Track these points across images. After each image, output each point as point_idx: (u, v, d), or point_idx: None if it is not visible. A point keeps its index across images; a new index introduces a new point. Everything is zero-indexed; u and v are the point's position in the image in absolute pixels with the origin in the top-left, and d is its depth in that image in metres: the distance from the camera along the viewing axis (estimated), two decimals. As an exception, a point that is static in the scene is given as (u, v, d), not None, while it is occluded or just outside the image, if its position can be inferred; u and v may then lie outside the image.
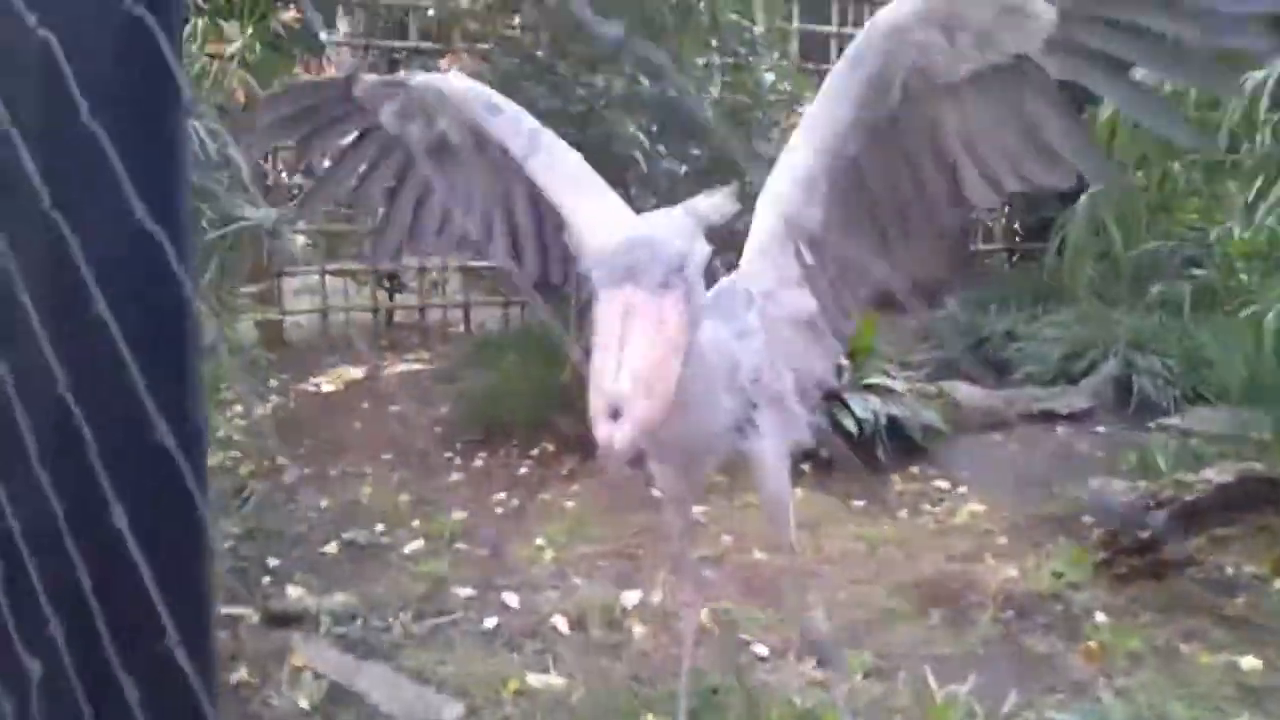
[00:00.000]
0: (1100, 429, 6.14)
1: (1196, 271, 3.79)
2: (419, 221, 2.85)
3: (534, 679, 3.24)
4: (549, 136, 2.52)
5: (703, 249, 1.83)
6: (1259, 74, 3.60)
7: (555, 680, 3.24)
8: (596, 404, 1.58)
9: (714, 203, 1.92)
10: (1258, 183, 4.01)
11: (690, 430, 1.99)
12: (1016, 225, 11.05)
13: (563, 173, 2.44)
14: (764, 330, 2.15)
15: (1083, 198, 4.24)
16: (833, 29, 9.34)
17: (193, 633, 0.99)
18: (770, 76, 5.83)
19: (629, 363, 1.60)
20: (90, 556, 0.96)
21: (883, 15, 2.08)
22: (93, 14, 0.99)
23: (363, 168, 2.84)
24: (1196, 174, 4.17)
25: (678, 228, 1.82)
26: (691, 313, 1.76)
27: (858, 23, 9.50)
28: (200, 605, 1.07)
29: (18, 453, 1.00)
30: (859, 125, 2.14)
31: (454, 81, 2.64)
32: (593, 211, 2.34)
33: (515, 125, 2.49)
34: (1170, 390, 6.19)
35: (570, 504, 4.78)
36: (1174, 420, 5.53)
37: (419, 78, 2.64)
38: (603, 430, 1.56)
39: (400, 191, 2.84)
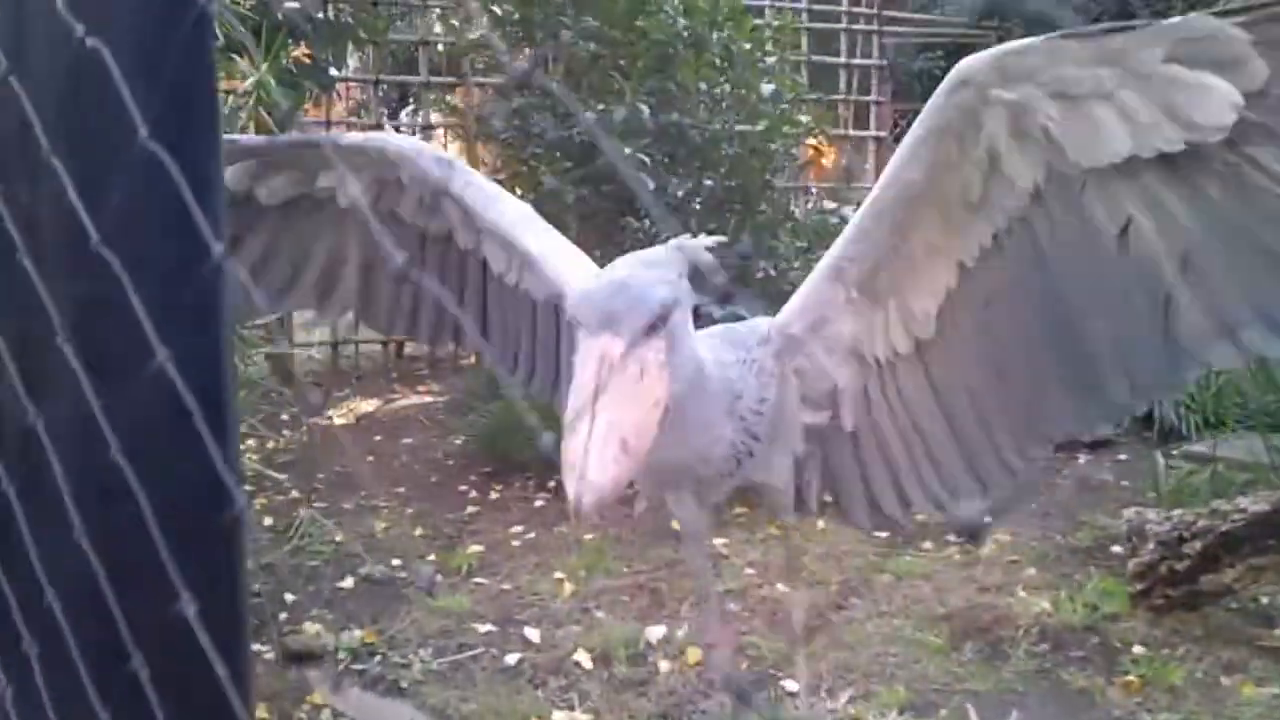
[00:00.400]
0: (1122, 456, 6.06)
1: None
2: (371, 291, 2.58)
3: (559, 716, 3.17)
4: (502, 189, 2.44)
5: (686, 291, 1.73)
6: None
7: (581, 717, 3.17)
8: (567, 461, 1.49)
9: (701, 242, 1.83)
10: None
11: (688, 455, 1.91)
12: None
13: (526, 217, 2.32)
14: (778, 367, 2.03)
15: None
16: (841, 60, 9.34)
17: (232, 672, 0.94)
18: (784, 106, 5.79)
19: (602, 421, 1.52)
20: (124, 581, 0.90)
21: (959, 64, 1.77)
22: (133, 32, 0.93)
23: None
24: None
25: (660, 271, 1.71)
26: (676, 361, 1.67)
27: (866, 54, 9.52)
28: (237, 639, 1.00)
29: (48, 489, 0.94)
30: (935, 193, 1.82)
31: (396, 139, 2.46)
32: (564, 253, 2.24)
33: (467, 178, 2.37)
34: (1193, 417, 6.12)
35: (589, 536, 4.70)
36: (1198, 447, 5.45)
37: (350, 137, 2.49)
38: (572, 489, 1.48)
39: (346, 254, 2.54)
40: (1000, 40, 9.86)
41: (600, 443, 1.50)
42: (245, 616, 1.02)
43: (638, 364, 1.59)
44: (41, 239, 0.96)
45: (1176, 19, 1.55)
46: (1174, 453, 5.55)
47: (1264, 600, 3.82)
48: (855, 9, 9.51)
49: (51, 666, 0.96)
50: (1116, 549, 4.42)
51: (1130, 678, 3.28)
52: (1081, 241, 1.69)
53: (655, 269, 1.71)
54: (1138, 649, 3.47)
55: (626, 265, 1.73)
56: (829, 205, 7.55)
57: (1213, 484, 4.62)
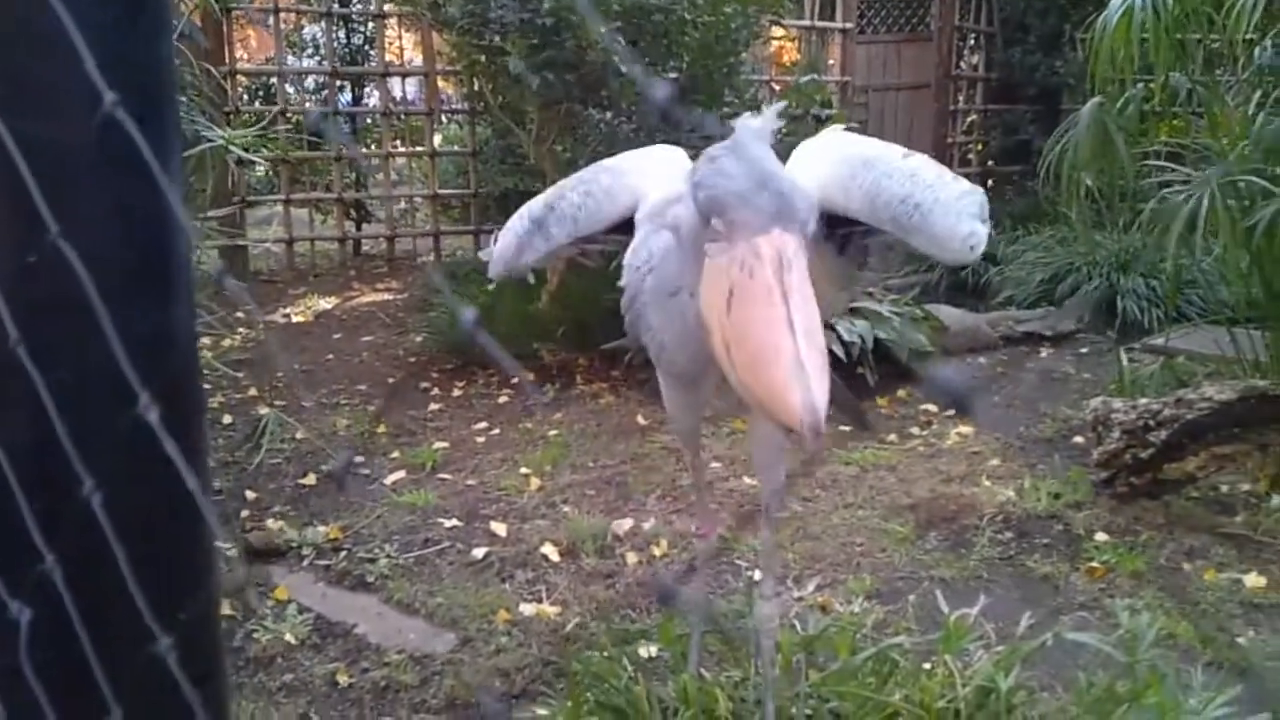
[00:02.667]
0: (1084, 350, 6.11)
1: (1184, 188, 3.69)
2: None
3: (526, 608, 3.15)
4: None
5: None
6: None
7: (548, 609, 3.15)
8: (795, 412, 1.32)
9: (766, 120, 1.70)
10: (1256, 95, 3.91)
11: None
12: (993, 146, 10.95)
13: None
14: None
15: (1087, 106, 4.11)
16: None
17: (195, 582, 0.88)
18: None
19: (800, 327, 1.36)
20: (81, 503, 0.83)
21: None
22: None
23: None
24: (1201, 85, 4.04)
25: (777, 166, 1.55)
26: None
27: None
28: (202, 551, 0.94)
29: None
30: None
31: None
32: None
33: None
34: (1154, 310, 6.16)
35: (554, 432, 4.67)
36: (1158, 340, 5.48)
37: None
38: (806, 413, 1.31)
39: None
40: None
41: (809, 350, 1.35)
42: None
43: (805, 256, 1.45)
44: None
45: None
46: (1135, 346, 5.59)
47: (1224, 489, 3.86)
48: (822, -106, 9.24)
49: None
50: (1079, 439, 4.46)
51: (1094, 564, 3.31)
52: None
53: (770, 159, 1.55)
54: (1101, 536, 3.50)
55: (748, 158, 1.53)
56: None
57: (1175, 375, 4.65)
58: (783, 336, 1.37)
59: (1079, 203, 4.33)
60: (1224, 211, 3.53)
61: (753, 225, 1.44)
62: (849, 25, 9.45)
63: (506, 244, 2.11)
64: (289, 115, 8.14)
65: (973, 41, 11.01)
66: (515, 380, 5.41)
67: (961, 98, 10.89)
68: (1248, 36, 3.85)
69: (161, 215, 0.86)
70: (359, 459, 4.38)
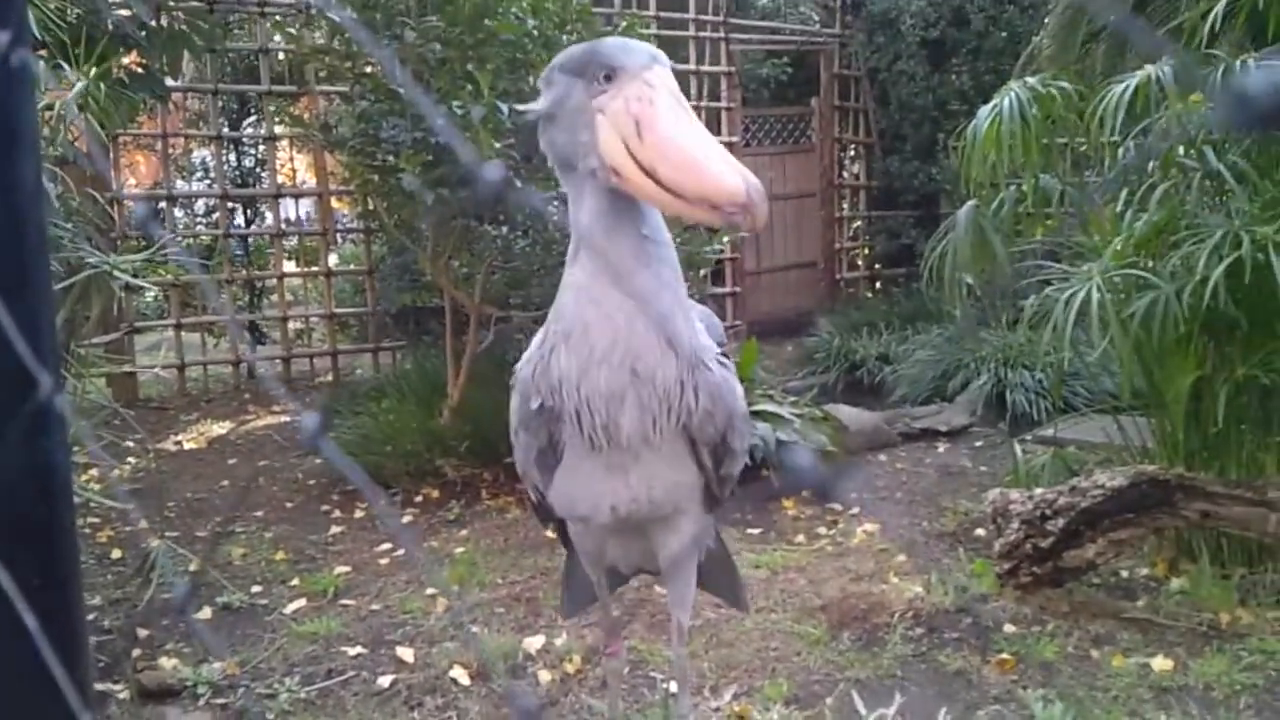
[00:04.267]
0: (979, 444, 6.26)
1: (1064, 284, 3.86)
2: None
3: (438, 737, 3.04)
4: None
5: None
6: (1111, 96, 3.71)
7: (460, 737, 3.05)
8: (734, 180, 1.52)
9: None
10: (1124, 193, 4.12)
11: (653, 340, 1.78)
12: (877, 251, 11.32)
13: None
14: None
15: (963, 209, 4.29)
16: (690, 66, 9.41)
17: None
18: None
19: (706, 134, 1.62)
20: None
21: None
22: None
23: None
24: (1070, 186, 4.26)
25: None
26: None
27: (714, 60, 9.62)
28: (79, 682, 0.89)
29: None
30: None
31: None
32: None
33: None
34: (1043, 403, 6.36)
35: (460, 550, 4.57)
36: (1048, 431, 5.64)
37: None
38: (747, 182, 1.51)
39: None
40: (842, 46, 10.08)
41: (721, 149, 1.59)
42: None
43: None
44: None
45: None
46: (1027, 438, 5.74)
47: (1124, 574, 3.95)
48: (702, 16, 9.62)
49: None
50: (980, 531, 4.54)
51: (1004, 656, 3.34)
52: None
53: None
54: (1009, 627, 3.54)
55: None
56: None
57: (1066, 464, 4.78)
58: (701, 133, 1.61)
59: (962, 302, 4.48)
60: (1107, 304, 3.69)
61: (635, 66, 1.65)
62: (735, 139, 9.75)
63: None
64: (180, 239, 8.02)
65: (853, 152, 11.46)
66: (419, 498, 5.32)
67: (846, 205, 11.30)
68: (1112, 140, 4.08)
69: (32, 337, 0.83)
70: (256, 589, 4.23)
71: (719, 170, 1.54)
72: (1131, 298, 3.80)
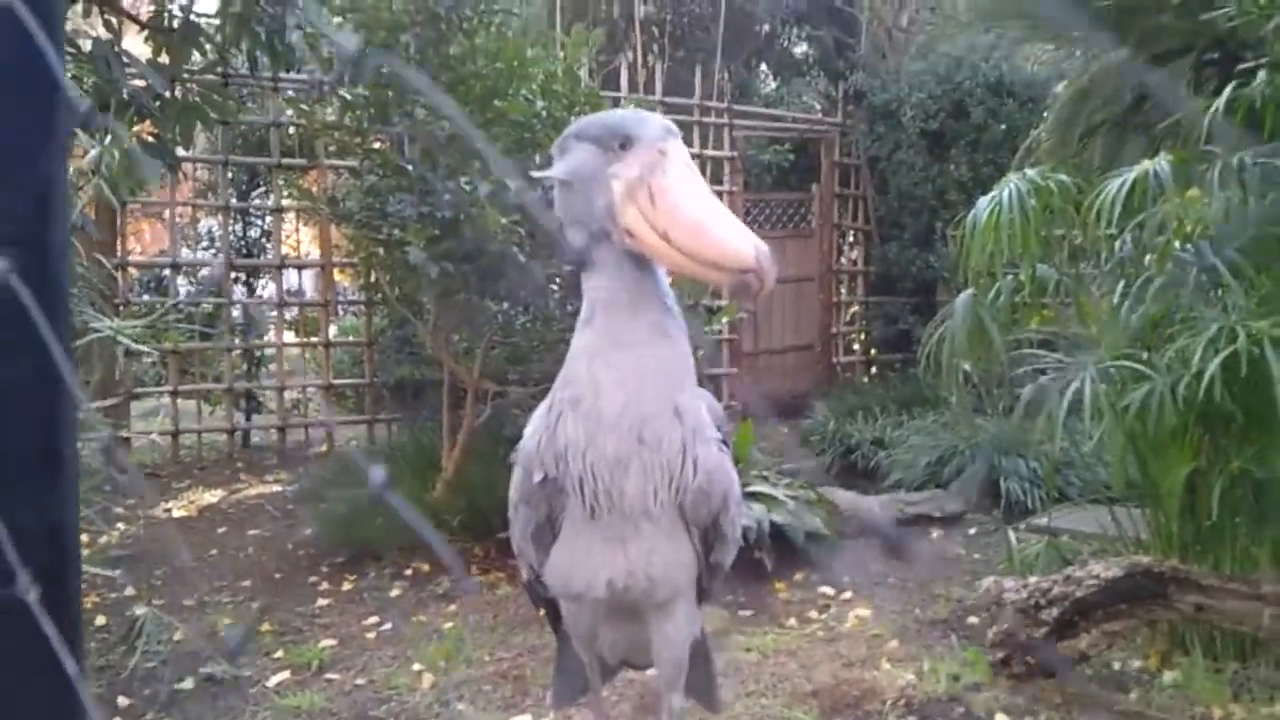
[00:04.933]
0: (972, 530, 6.23)
1: (1059, 373, 3.89)
2: None
3: (419, 816, 2.99)
4: None
5: None
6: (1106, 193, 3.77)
7: (443, 816, 2.99)
8: (744, 245, 1.62)
9: None
10: (1120, 285, 4.17)
11: (647, 413, 1.80)
12: (874, 336, 11.39)
13: None
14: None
15: (961, 297, 4.33)
16: (694, 150, 9.57)
17: None
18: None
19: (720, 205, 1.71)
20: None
21: None
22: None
23: None
24: (1067, 277, 4.31)
25: None
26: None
27: (718, 145, 9.78)
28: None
29: None
30: None
31: None
32: None
33: None
34: (1036, 492, 6.35)
35: (448, 625, 4.53)
36: (1042, 520, 5.63)
37: None
38: (756, 249, 1.61)
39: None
40: (843, 135, 10.26)
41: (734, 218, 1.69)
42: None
43: None
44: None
45: None
46: (1021, 526, 5.72)
47: (1117, 665, 3.92)
48: (707, 102, 9.80)
49: None
50: (974, 620, 4.50)
51: (996, 747, 3.30)
52: None
53: None
54: (1001, 717, 3.50)
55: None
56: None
57: (1060, 554, 4.76)
58: (713, 201, 1.69)
59: (959, 388, 4.51)
60: (1102, 395, 3.71)
61: (651, 137, 1.72)
62: (736, 222, 9.87)
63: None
64: (180, 308, 8.08)
65: (852, 238, 11.59)
66: (409, 572, 5.28)
67: (844, 290, 11.39)
68: (1109, 233, 4.14)
69: (52, 398, 0.84)
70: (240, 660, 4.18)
71: (730, 235, 1.63)
72: (1127, 389, 3.83)
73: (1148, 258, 4.04)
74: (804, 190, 11.27)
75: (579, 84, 5.59)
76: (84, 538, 4.67)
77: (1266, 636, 3.64)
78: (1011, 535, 5.04)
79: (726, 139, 9.95)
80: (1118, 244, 4.22)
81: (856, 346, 11.61)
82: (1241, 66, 3.95)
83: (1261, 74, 3.71)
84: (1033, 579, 3.78)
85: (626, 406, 1.79)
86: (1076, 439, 4.32)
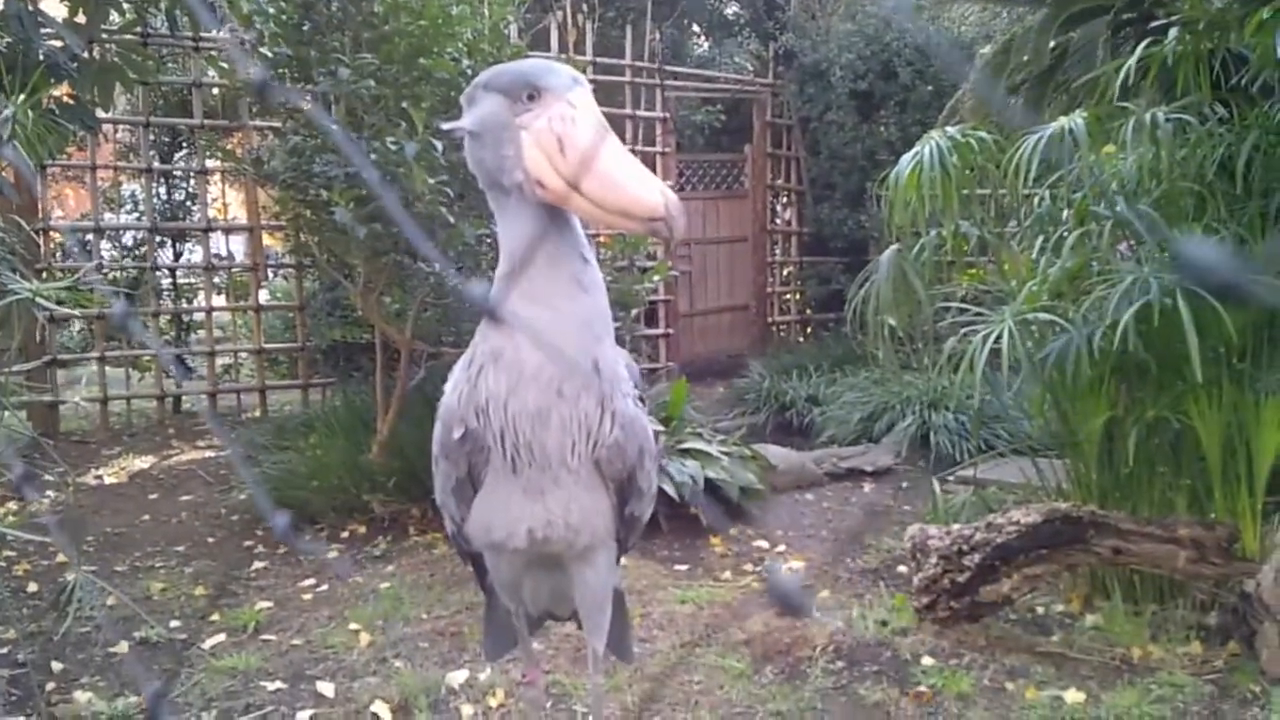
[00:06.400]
0: (904, 484, 6.37)
1: (982, 328, 3.98)
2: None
3: (357, 771, 3.01)
4: None
5: None
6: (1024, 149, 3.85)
7: (380, 770, 3.02)
8: (652, 194, 1.62)
9: None
10: (1039, 241, 4.27)
11: (584, 332, 1.83)
12: (808, 296, 11.50)
13: None
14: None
15: (885, 253, 4.40)
16: (626, 111, 9.55)
17: None
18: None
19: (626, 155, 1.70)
20: None
21: None
22: None
23: None
24: (988, 233, 4.40)
25: None
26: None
27: (649, 106, 9.77)
28: None
29: None
30: None
31: None
32: None
33: None
34: (965, 444, 6.50)
35: (385, 585, 4.54)
36: (969, 472, 5.77)
37: None
38: (666, 197, 1.62)
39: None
40: (775, 96, 10.28)
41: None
42: None
43: None
44: None
45: None
46: (949, 478, 5.86)
47: (1040, 610, 4.05)
48: (638, 63, 9.77)
49: None
50: (902, 568, 4.62)
51: (922, 688, 3.40)
52: None
53: None
54: (927, 660, 3.61)
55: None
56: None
57: (985, 504, 4.89)
58: (621, 150, 1.69)
59: (885, 344, 4.58)
60: (1020, 346, 3.81)
61: (558, 86, 1.72)
62: (669, 183, 9.88)
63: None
64: (106, 272, 7.91)
65: (785, 198, 11.67)
66: (346, 534, 5.27)
67: (778, 250, 11.48)
68: (1026, 192, 4.23)
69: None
70: (175, 623, 4.16)
71: (639, 184, 1.63)
72: (1046, 341, 3.93)
73: (1065, 213, 4.14)
74: (736, 151, 11.31)
75: (506, 43, 5.55)
76: (12, 505, 4.61)
77: (1183, 578, 3.79)
78: (937, 486, 5.17)
79: (658, 100, 9.93)
80: (1037, 200, 4.32)
81: (791, 306, 11.73)
82: (1154, 24, 4.05)
83: (1173, 32, 3.81)
84: (956, 526, 3.89)
85: (546, 359, 1.81)
86: (1000, 392, 4.44)
